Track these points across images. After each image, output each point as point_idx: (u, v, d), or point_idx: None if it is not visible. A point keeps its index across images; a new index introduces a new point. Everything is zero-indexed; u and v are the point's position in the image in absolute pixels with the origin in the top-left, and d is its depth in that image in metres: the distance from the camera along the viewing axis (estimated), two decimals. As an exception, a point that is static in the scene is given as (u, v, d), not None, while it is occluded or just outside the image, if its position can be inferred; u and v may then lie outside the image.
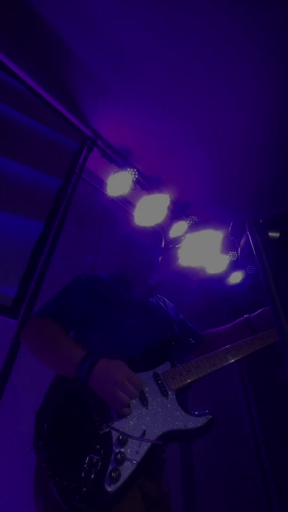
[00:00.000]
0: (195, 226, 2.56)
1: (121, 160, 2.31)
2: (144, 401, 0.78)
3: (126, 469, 0.67)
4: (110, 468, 0.65)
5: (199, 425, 0.78)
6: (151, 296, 1.21)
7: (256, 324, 1.10)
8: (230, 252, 2.72)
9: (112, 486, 0.63)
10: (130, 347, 0.91)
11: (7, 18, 1.61)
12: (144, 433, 0.73)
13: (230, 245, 2.62)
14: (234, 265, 2.84)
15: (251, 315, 1.14)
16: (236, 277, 3.01)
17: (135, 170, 2.18)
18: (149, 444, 0.71)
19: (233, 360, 0.92)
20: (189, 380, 0.85)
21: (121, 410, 0.71)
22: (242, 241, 0.69)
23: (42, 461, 0.69)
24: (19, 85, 1.77)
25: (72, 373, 0.75)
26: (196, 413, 0.81)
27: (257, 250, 0.58)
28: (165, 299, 1.31)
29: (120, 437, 0.70)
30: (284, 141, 2.13)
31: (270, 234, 0.62)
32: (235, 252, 2.71)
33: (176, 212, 2.61)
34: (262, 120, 2.02)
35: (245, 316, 1.15)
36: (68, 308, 0.95)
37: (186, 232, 2.54)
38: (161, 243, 1.28)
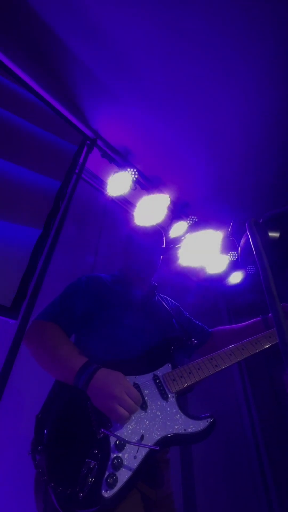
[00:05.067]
0: (195, 226, 2.56)
1: (121, 160, 2.31)
2: (143, 405, 0.76)
3: (123, 475, 0.65)
4: (107, 473, 0.64)
5: (200, 429, 0.75)
6: (154, 296, 1.19)
7: (272, 323, 1.05)
8: (230, 252, 2.72)
9: (108, 491, 0.62)
10: (130, 348, 0.90)
11: (7, 19, 1.61)
12: (142, 438, 0.71)
13: (230, 245, 2.62)
14: (234, 265, 2.84)
15: (269, 314, 1.08)
16: (236, 277, 3.01)
17: (135, 170, 2.18)
18: (148, 449, 0.70)
19: (237, 361, 0.88)
20: (190, 383, 0.82)
21: (121, 423, 0.71)
22: (242, 241, 0.69)
23: (39, 466, 0.68)
24: (19, 86, 1.77)
25: (71, 381, 0.75)
26: (197, 416, 0.78)
27: (257, 250, 0.57)
28: (168, 299, 1.30)
29: (118, 441, 0.69)
30: (284, 141, 2.12)
31: (270, 234, 0.61)
32: (235, 252, 2.71)
33: (176, 212, 2.61)
34: (262, 119, 2.01)
35: (260, 316, 1.10)
36: (70, 311, 0.94)
37: (186, 232, 2.54)
38: (162, 242, 1.26)
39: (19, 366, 1.24)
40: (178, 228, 2.55)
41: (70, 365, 0.77)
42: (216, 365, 0.86)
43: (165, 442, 0.73)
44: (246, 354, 0.90)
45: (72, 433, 0.71)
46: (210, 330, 1.24)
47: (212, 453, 2.22)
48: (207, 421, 0.78)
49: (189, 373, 0.84)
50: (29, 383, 1.40)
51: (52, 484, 0.63)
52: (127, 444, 0.69)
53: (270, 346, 0.93)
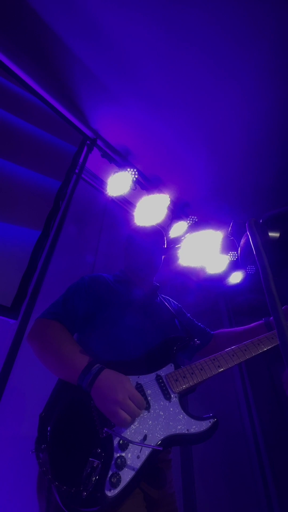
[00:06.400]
0: (195, 226, 2.56)
1: (121, 160, 2.31)
2: (146, 405, 0.76)
3: (127, 474, 0.65)
4: (110, 472, 0.64)
5: (202, 429, 0.76)
6: (156, 297, 1.19)
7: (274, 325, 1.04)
8: (230, 252, 2.72)
9: (112, 491, 0.62)
10: (131, 348, 0.90)
11: (7, 19, 1.61)
12: (145, 438, 0.71)
13: (230, 245, 2.62)
14: (234, 265, 2.84)
15: (271, 318, 1.09)
16: (236, 277, 3.01)
17: (135, 170, 2.18)
18: (151, 448, 0.70)
19: (239, 361, 0.88)
20: (192, 383, 0.83)
21: (124, 427, 0.71)
22: (242, 241, 0.69)
23: (42, 465, 0.68)
24: (19, 86, 1.76)
25: (75, 381, 0.75)
26: (200, 416, 0.78)
27: (257, 250, 0.57)
28: (170, 299, 1.30)
29: (121, 441, 0.69)
30: (284, 141, 2.12)
31: (270, 234, 0.61)
32: (235, 252, 2.71)
33: (176, 212, 2.61)
34: (262, 119, 2.01)
35: (263, 319, 1.10)
36: (73, 310, 0.94)
37: (186, 232, 2.54)
38: (163, 242, 1.27)
39: (19, 366, 1.24)
40: (178, 228, 2.55)
41: (73, 364, 0.77)
42: (218, 366, 0.86)
43: (168, 442, 0.73)
44: (249, 355, 0.90)
45: (76, 431, 0.71)
46: (212, 332, 1.24)
47: (212, 453, 2.22)
48: (210, 421, 0.78)
49: (192, 373, 0.84)
50: (29, 383, 1.40)
51: (56, 483, 0.63)
52: (131, 444, 0.69)
53: (272, 347, 0.93)
